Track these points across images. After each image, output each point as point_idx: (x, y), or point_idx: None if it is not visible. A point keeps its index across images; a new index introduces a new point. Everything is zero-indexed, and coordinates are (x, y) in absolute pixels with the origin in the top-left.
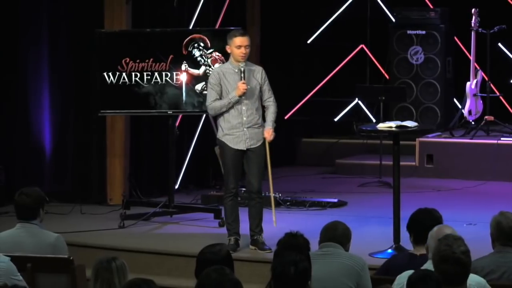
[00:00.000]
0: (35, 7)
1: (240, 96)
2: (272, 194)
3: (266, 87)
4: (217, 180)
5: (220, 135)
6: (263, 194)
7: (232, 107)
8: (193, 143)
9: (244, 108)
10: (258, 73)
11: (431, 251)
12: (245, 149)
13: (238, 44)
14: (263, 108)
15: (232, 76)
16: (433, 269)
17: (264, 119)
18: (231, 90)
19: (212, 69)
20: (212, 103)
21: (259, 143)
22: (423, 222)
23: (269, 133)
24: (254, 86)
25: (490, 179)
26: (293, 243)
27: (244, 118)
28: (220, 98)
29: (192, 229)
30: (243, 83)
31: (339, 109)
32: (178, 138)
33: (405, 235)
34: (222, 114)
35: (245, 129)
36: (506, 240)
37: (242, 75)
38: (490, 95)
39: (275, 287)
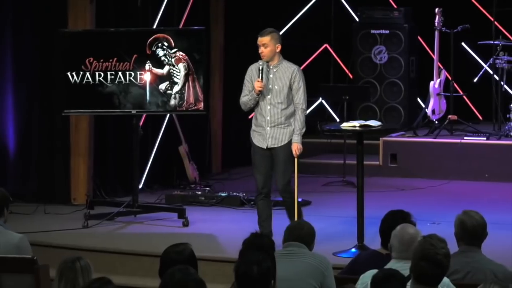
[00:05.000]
0: None
1: (257, 94)
2: (296, 208)
3: (295, 88)
4: (181, 180)
5: (251, 131)
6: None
7: (258, 105)
8: (157, 142)
9: (268, 107)
10: (290, 73)
11: (395, 251)
12: (265, 147)
13: (258, 43)
14: None
15: (258, 73)
16: (396, 268)
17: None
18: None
19: (176, 68)
20: (241, 98)
21: (283, 143)
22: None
23: (295, 149)
24: (281, 86)
25: (453, 178)
26: (258, 243)
27: (268, 118)
28: None
29: (156, 228)
30: (258, 81)
31: None
32: (142, 138)
33: (368, 235)
34: (253, 110)
35: (268, 128)
36: (470, 240)
37: (260, 73)
38: (454, 94)
39: (238, 287)
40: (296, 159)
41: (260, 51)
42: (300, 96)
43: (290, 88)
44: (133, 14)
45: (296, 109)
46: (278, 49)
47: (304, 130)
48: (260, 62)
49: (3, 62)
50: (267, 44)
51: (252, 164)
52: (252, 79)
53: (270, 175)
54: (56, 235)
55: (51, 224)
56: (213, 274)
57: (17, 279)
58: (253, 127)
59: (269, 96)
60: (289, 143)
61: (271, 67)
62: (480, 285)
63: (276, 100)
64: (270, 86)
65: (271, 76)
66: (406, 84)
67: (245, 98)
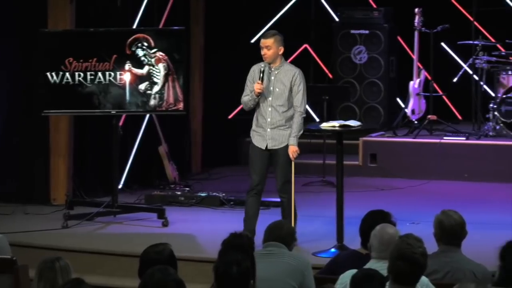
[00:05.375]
0: None
1: (257, 96)
2: (293, 211)
3: (295, 91)
4: (161, 180)
5: (251, 130)
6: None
7: (259, 106)
8: (137, 142)
9: (269, 109)
10: (291, 76)
11: (374, 250)
12: (264, 148)
13: (260, 45)
14: None
15: (259, 75)
16: (375, 268)
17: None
18: None
19: (156, 68)
20: (242, 98)
21: (283, 145)
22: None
23: (291, 152)
24: (282, 88)
25: (433, 178)
26: (237, 244)
27: (268, 119)
28: None
29: (136, 229)
30: (258, 83)
31: None
32: (122, 138)
33: (348, 234)
34: (255, 110)
35: (268, 129)
36: (449, 239)
37: (261, 75)
38: (433, 94)
39: (217, 287)
40: (292, 163)
41: (263, 53)
42: (298, 99)
43: (291, 91)
44: (113, 14)
45: (294, 111)
46: (281, 52)
47: (301, 132)
48: (262, 64)
49: None
50: (270, 46)
51: (249, 162)
52: (254, 80)
53: (265, 175)
54: (36, 236)
55: (31, 224)
56: (193, 274)
57: None
58: (254, 127)
59: (270, 98)
60: (287, 146)
61: (272, 69)
62: (457, 285)
63: (277, 103)
64: (271, 88)
65: (272, 78)
66: (386, 84)
67: (246, 98)
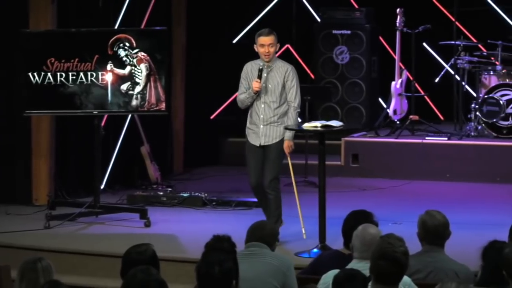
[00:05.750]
0: None
1: (255, 93)
2: (299, 209)
3: (288, 87)
4: (143, 180)
5: (246, 128)
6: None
7: (252, 103)
8: (119, 143)
9: (262, 106)
10: (283, 72)
11: (357, 251)
12: (258, 145)
13: (261, 43)
14: None
15: (255, 73)
16: (358, 268)
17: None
18: None
19: (138, 69)
20: (239, 96)
21: (275, 140)
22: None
23: (286, 146)
24: (275, 85)
25: (415, 178)
26: (218, 247)
27: (261, 116)
28: None
29: (118, 229)
30: (256, 81)
31: None
32: (104, 138)
33: (330, 235)
34: (249, 108)
35: (261, 126)
36: (432, 239)
37: (259, 73)
38: (415, 94)
39: (200, 287)
40: (290, 162)
41: (266, 50)
42: (292, 94)
43: (284, 87)
44: (95, 14)
45: (289, 107)
46: (277, 48)
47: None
48: (260, 63)
49: None
50: (272, 43)
51: (246, 162)
52: (248, 77)
53: (261, 172)
54: (18, 236)
55: (13, 224)
56: (175, 275)
57: None
58: (248, 124)
59: (263, 95)
60: (282, 140)
61: (266, 66)
62: (438, 284)
63: (270, 99)
64: (264, 84)
65: (265, 75)
66: (368, 84)
67: (243, 96)
